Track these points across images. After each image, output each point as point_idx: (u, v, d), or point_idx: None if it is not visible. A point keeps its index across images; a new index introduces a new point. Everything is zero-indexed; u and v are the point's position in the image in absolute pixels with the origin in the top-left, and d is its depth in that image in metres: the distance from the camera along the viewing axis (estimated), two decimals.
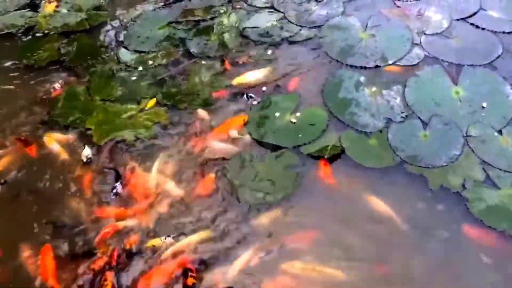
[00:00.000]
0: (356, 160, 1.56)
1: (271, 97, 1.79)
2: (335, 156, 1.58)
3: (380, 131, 1.63)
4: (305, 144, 1.60)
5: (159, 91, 1.86)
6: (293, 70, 1.92)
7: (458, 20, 2.09)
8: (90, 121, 1.73)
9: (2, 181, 1.55)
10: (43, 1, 2.34)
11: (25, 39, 2.16)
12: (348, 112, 1.70)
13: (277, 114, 1.71)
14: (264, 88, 1.83)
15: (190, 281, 1.28)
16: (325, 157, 1.57)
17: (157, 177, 1.55)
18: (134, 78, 1.93)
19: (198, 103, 1.81)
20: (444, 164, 1.53)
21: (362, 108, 1.73)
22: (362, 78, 1.84)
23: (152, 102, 1.81)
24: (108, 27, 2.22)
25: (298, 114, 1.71)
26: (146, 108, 1.78)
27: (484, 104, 1.71)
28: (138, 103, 1.80)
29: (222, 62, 1.94)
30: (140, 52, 2.06)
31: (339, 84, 1.82)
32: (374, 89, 1.79)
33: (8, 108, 1.83)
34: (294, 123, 1.68)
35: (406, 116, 1.68)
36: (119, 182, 1.52)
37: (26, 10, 2.30)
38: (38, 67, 2.00)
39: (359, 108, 1.73)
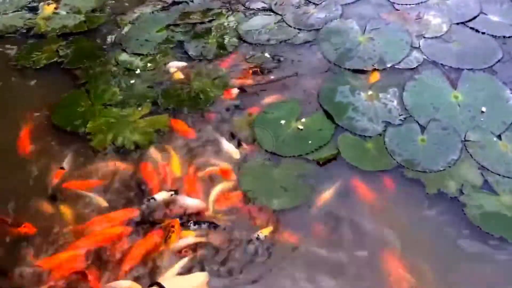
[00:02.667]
0: (352, 163, 1.55)
1: (274, 103, 1.78)
2: (331, 159, 1.57)
3: (380, 134, 1.62)
4: (316, 149, 1.58)
5: (159, 94, 1.85)
6: (292, 73, 1.91)
7: (457, 24, 2.08)
8: (91, 126, 1.71)
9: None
10: (42, 3, 2.36)
11: (23, 41, 2.16)
12: (346, 117, 1.69)
13: (282, 122, 1.70)
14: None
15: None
16: (321, 162, 1.55)
17: None
18: (133, 81, 1.92)
19: (199, 106, 1.80)
20: (441, 169, 1.52)
21: (359, 112, 1.72)
22: (357, 82, 1.82)
23: (147, 107, 1.80)
24: (107, 29, 2.22)
25: (303, 120, 1.69)
26: (146, 113, 1.76)
27: (484, 109, 1.69)
28: (138, 107, 1.79)
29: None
30: (138, 54, 2.06)
31: (335, 89, 1.81)
32: (370, 92, 1.78)
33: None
34: (301, 129, 1.66)
35: (405, 118, 1.66)
36: None
37: (26, 11, 2.32)
38: (36, 69, 2.00)
39: (356, 112, 1.72)
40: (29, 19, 2.27)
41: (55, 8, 2.32)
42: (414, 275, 1.28)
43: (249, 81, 1.89)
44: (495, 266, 1.30)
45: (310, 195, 1.45)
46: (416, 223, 1.40)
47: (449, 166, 1.52)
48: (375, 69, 1.89)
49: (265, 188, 1.49)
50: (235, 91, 1.83)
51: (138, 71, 1.98)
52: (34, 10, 2.33)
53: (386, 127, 1.64)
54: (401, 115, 1.67)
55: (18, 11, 2.32)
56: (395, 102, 1.72)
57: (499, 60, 1.87)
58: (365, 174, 1.51)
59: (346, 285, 1.27)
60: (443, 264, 1.31)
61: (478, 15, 2.11)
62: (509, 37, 1.99)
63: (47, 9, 2.32)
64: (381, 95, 1.76)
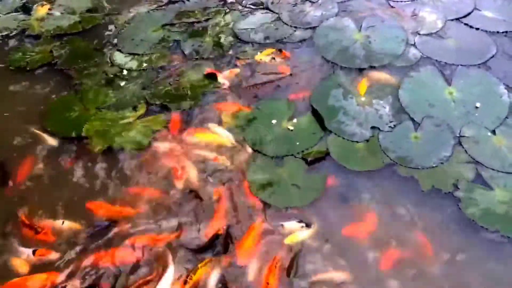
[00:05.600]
0: (341, 163, 1.54)
1: (267, 102, 1.78)
2: (320, 158, 1.57)
3: (367, 140, 1.60)
4: (302, 151, 1.58)
5: (150, 93, 1.84)
6: (287, 72, 1.90)
7: (452, 20, 2.09)
8: (86, 130, 1.70)
9: None
10: (35, 4, 2.34)
11: (17, 42, 2.15)
12: (336, 120, 1.66)
13: (274, 121, 1.70)
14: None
15: None
16: (308, 160, 1.56)
17: None
18: (128, 82, 1.91)
19: (188, 103, 1.80)
20: (434, 165, 1.52)
21: (350, 116, 1.69)
22: (351, 85, 1.81)
23: (143, 108, 1.79)
24: (102, 29, 2.21)
25: (295, 120, 1.69)
26: (141, 114, 1.75)
27: (478, 105, 1.70)
28: (134, 109, 1.78)
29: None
30: (134, 54, 2.05)
31: (328, 91, 1.79)
32: (363, 99, 1.75)
33: None
34: (292, 130, 1.66)
35: (395, 125, 1.65)
36: None
37: (19, 13, 2.30)
38: (30, 70, 1.99)
39: (347, 116, 1.69)
40: (23, 20, 2.27)
41: (49, 9, 2.31)
42: (411, 271, 1.30)
43: (243, 80, 1.88)
44: (491, 259, 1.31)
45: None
46: (411, 219, 1.41)
47: (442, 163, 1.52)
48: (371, 67, 1.89)
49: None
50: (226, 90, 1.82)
51: (133, 72, 1.97)
52: (27, 11, 2.31)
53: (374, 133, 1.62)
54: (392, 121, 1.65)
55: (11, 12, 2.30)
56: (387, 108, 1.69)
57: (493, 56, 1.88)
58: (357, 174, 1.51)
59: None
60: (440, 259, 1.32)
61: (472, 11, 2.12)
62: (503, 32, 2.01)
63: (41, 10, 2.31)
64: (374, 101, 1.73)
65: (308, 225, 1.38)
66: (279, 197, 1.48)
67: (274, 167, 1.55)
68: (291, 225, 1.39)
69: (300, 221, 1.39)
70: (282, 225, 1.39)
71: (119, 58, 2.05)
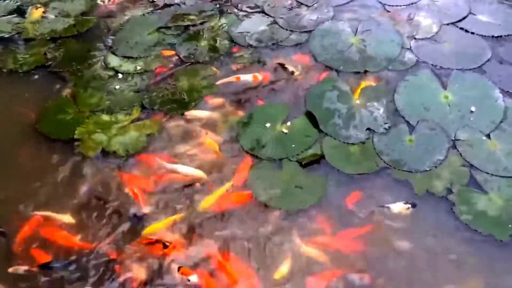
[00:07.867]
0: (335, 166, 1.54)
1: (262, 105, 1.77)
2: (314, 161, 1.56)
3: (363, 142, 1.60)
4: (297, 154, 1.58)
5: (145, 97, 1.83)
6: (283, 75, 1.90)
7: (447, 24, 2.09)
8: (79, 132, 1.69)
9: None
10: (30, 7, 2.33)
11: (11, 45, 2.14)
12: (331, 123, 1.66)
13: (268, 125, 1.69)
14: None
15: None
16: (303, 163, 1.55)
17: None
18: (122, 85, 1.90)
19: (184, 107, 1.80)
20: (427, 169, 1.52)
21: (345, 119, 1.69)
22: (345, 88, 1.81)
23: (137, 111, 1.78)
24: (97, 32, 2.21)
25: (289, 123, 1.69)
26: (135, 118, 1.74)
27: (473, 108, 1.70)
28: (128, 112, 1.77)
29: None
30: (128, 57, 2.05)
31: (323, 94, 1.78)
32: (358, 101, 1.75)
33: None
34: (286, 133, 1.66)
35: (389, 127, 1.65)
36: None
37: (13, 16, 2.29)
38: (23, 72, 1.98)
39: (342, 119, 1.69)
40: (17, 23, 2.26)
41: (44, 12, 2.30)
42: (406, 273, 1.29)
43: (237, 83, 1.88)
44: (485, 263, 1.30)
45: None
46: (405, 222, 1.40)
47: (435, 167, 1.52)
48: (366, 71, 1.89)
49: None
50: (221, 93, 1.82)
51: (128, 74, 1.97)
52: (22, 14, 2.30)
53: (370, 135, 1.62)
54: (386, 123, 1.65)
55: (5, 15, 2.29)
56: (381, 110, 1.70)
57: (488, 60, 1.88)
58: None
59: None
60: (434, 262, 1.32)
61: (467, 16, 2.12)
62: (497, 37, 2.01)
63: (35, 13, 2.30)
64: (368, 103, 1.73)
65: (413, 205, 1.41)
66: (286, 200, 1.47)
67: (273, 171, 1.54)
68: (397, 206, 1.41)
69: (406, 202, 1.42)
70: (388, 207, 1.41)
71: (114, 61, 2.04)
